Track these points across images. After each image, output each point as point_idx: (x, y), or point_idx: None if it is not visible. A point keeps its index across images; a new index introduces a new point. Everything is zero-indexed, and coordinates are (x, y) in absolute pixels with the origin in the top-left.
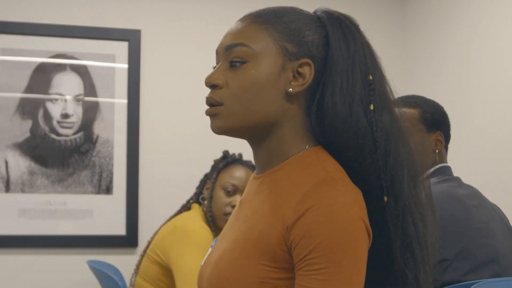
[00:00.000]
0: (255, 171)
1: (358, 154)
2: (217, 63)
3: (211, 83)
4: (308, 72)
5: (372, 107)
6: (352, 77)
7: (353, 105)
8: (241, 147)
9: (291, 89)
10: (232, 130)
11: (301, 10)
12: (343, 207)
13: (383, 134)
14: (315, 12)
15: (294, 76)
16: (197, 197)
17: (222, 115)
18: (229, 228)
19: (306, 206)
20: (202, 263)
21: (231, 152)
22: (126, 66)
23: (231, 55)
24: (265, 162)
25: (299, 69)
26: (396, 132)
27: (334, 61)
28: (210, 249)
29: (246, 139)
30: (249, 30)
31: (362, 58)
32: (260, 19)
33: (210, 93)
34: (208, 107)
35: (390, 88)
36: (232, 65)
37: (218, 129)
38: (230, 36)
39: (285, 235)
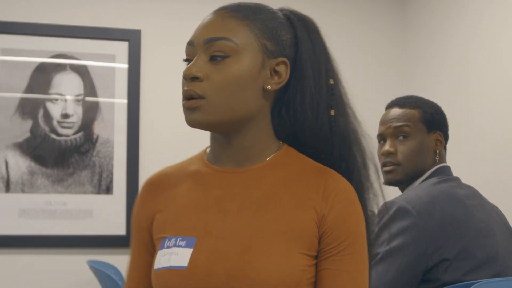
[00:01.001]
0: (220, 164)
1: (316, 155)
2: (190, 55)
3: (191, 75)
4: (284, 70)
5: (333, 112)
6: (319, 82)
7: (319, 110)
8: None
9: (269, 87)
10: (211, 124)
11: (272, 9)
12: (355, 197)
13: (339, 138)
14: (281, 11)
15: (271, 74)
16: None
17: (203, 109)
18: (220, 222)
19: (333, 195)
20: (177, 263)
21: None
22: (126, 66)
23: (213, 48)
24: (241, 158)
25: (276, 67)
26: (352, 136)
27: (304, 64)
28: (178, 248)
29: (217, 133)
30: (231, 24)
31: (325, 62)
32: (240, 14)
33: (190, 85)
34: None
35: (345, 92)
36: (213, 59)
37: (197, 123)
38: (210, 28)
39: (319, 224)
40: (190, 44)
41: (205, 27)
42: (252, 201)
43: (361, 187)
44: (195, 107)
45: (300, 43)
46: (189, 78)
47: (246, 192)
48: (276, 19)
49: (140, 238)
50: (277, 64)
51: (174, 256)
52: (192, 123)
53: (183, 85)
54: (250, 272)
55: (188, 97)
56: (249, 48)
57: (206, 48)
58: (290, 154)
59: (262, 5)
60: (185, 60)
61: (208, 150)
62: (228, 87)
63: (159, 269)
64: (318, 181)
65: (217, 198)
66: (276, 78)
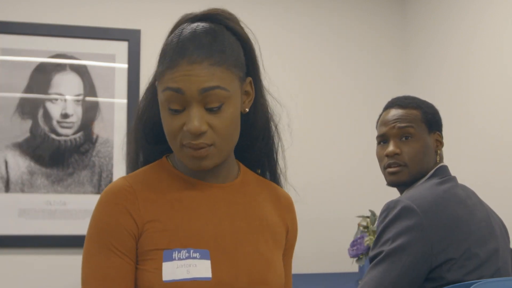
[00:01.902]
0: (201, 178)
1: (249, 154)
2: (178, 104)
3: (200, 131)
4: (251, 88)
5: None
6: (260, 86)
7: (268, 112)
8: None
9: (246, 109)
10: (217, 164)
11: (222, 30)
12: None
13: (262, 133)
14: (216, 21)
15: (243, 96)
16: None
17: (213, 155)
18: (226, 233)
19: (288, 206)
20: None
21: None
22: (126, 66)
23: (208, 98)
24: (224, 175)
25: (246, 89)
26: (273, 128)
27: (256, 76)
28: (194, 260)
29: None
30: (217, 72)
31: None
32: (214, 59)
33: (197, 139)
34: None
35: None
36: (210, 109)
37: (208, 167)
38: (200, 78)
39: (287, 231)
40: (179, 91)
41: (193, 77)
42: (244, 212)
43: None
44: (206, 155)
45: (251, 56)
46: (198, 134)
47: (235, 204)
48: (232, 43)
49: (126, 246)
50: (246, 85)
51: (193, 268)
52: (205, 167)
53: (185, 137)
54: (266, 277)
55: (198, 148)
56: (236, 89)
57: (201, 98)
58: (245, 169)
59: (214, 31)
60: (173, 110)
61: (170, 160)
62: (229, 130)
63: (177, 280)
64: (275, 193)
65: (214, 211)
66: (247, 98)
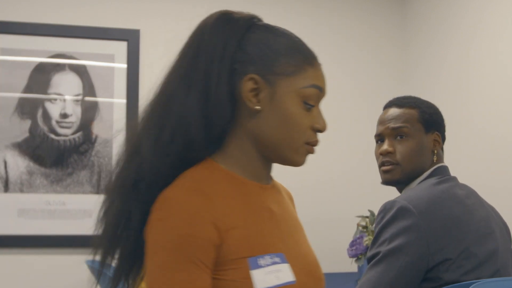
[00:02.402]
0: (255, 180)
1: None
2: (315, 100)
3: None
4: None
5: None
6: None
7: None
8: None
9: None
10: None
11: None
12: None
13: None
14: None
15: None
16: None
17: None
18: (287, 234)
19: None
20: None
21: None
22: (125, 66)
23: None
24: (270, 176)
25: None
26: None
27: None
28: (277, 265)
29: (263, 155)
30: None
31: None
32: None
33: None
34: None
35: None
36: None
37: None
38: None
39: None
40: (322, 91)
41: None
42: (288, 211)
43: None
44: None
45: None
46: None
47: (282, 204)
48: None
49: (209, 258)
50: None
51: (280, 273)
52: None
53: (312, 135)
54: (322, 274)
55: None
56: None
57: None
58: None
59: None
60: (310, 105)
61: (220, 164)
62: None
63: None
64: (282, 188)
65: (273, 212)
66: None
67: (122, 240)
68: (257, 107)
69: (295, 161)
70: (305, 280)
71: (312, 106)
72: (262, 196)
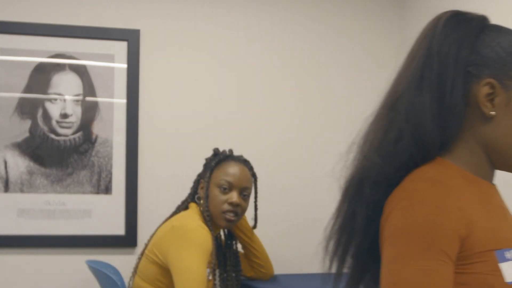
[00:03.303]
0: (489, 180)
1: None
2: None
3: None
4: None
5: None
6: None
7: None
8: (234, 145)
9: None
10: None
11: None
12: None
13: None
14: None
15: None
16: (192, 198)
17: None
18: (510, 227)
19: None
20: None
21: (221, 149)
22: (125, 66)
23: None
24: (493, 176)
25: None
26: None
27: None
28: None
29: (488, 156)
30: None
31: None
32: None
33: None
34: None
35: None
36: None
37: None
38: None
39: None
40: None
41: None
42: (508, 212)
43: None
44: None
45: None
46: None
47: (503, 203)
48: None
49: (455, 252)
50: None
51: None
52: None
53: None
54: None
55: None
56: None
57: None
58: None
59: None
60: None
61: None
62: None
63: None
64: None
65: (505, 210)
66: None
67: (348, 241)
68: (492, 113)
69: None
70: None
71: None
72: (494, 195)
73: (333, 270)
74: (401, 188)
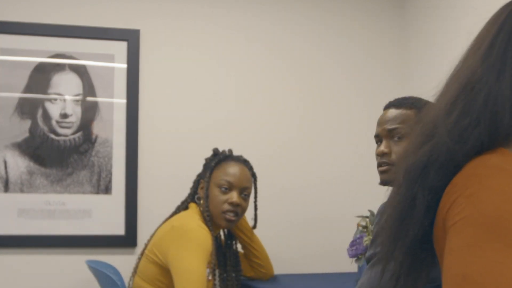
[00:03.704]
0: None
1: None
2: None
3: None
4: None
5: None
6: None
7: None
8: (234, 144)
9: None
10: None
11: None
12: None
13: None
14: None
15: None
16: (192, 198)
17: None
18: None
19: None
20: None
21: (221, 149)
22: (125, 66)
23: None
24: None
25: None
26: None
27: None
28: None
29: None
30: None
31: None
32: None
33: None
34: None
35: None
36: None
37: None
38: None
39: None
40: None
41: None
42: None
43: None
44: None
45: None
46: None
47: None
48: None
49: None
50: None
51: None
52: None
53: None
54: None
55: None
56: None
57: None
58: None
59: None
60: None
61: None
62: None
63: None
64: None
65: None
66: None
67: (405, 231)
68: None
69: None
70: None
71: None
72: None
73: (396, 266)
74: (463, 175)
